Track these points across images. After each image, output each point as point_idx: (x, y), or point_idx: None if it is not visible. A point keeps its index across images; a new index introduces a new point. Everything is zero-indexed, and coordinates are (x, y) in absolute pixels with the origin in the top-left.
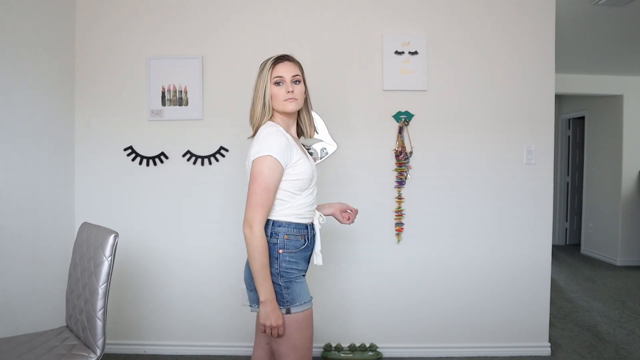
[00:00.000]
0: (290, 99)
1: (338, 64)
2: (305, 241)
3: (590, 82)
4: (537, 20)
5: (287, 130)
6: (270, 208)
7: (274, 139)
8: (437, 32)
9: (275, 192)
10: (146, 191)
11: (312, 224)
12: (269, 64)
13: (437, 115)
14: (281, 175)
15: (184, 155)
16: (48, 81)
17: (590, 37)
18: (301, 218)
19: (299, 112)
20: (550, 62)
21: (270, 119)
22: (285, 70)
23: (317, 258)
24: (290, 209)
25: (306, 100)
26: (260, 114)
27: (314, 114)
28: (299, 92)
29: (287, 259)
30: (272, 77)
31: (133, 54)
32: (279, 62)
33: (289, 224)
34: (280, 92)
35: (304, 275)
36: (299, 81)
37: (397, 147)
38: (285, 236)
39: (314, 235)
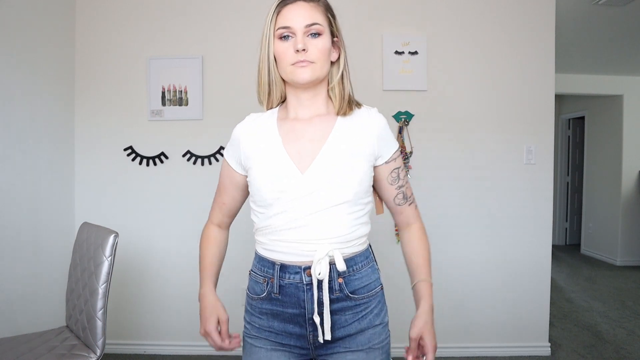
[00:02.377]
0: (299, 62)
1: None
2: (267, 288)
3: (590, 82)
4: (537, 20)
5: (298, 108)
6: (225, 213)
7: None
8: (437, 32)
9: (228, 196)
10: (146, 191)
11: (285, 267)
12: (273, 7)
13: (437, 115)
14: (233, 178)
15: (184, 155)
16: (48, 81)
17: (590, 37)
18: (265, 250)
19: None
20: (550, 62)
21: (282, 99)
22: (294, 15)
23: (320, 330)
24: (256, 232)
25: (338, 62)
26: (266, 89)
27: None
28: (319, 50)
29: (246, 304)
30: (276, 28)
31: (133, 54)
32: (286, 3)
33: (255, 254)
34: (286, 51)
35: (262, 347)
36: (319, 33)
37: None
38: (249, 270)
39: (296, 288)
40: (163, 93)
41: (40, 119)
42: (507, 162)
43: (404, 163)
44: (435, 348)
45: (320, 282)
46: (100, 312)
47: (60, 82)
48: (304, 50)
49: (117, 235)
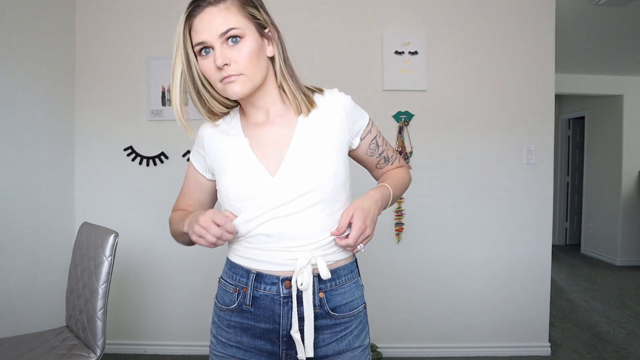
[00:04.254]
0: (224, 78)
1: (338, 64)
2: (237, 299)
3: (590, 82)
4: (537, 20)
5: (254, 112)
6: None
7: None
8: (437, 32)
9: (194, 200)
10: (146, 191)
11: (261, 276)
12: (181, 21)
13: (437, 115)
14: (199, 181)
15: (184, 155)
16: (48, 81)
17: (590, 37)
18: (239, 257)
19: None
20: (550, 62)
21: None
22: (205, 26)
23: (298, 348)
24: None
25: (275, 59)
26: (203, 108)
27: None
28: (244, 57)
29: (213, 315)
30: (193, 45)
31: (133, 54)
32: (194, 15)
33: (227, 260)
34: (209, 68)
35: None
36: (239, 37)
37: (397, 147)
38: (219, 277)
39: (272, 301)
40: (163, 93)
41: (40, 119)
42: (507, 162)
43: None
44: (362, 230)
45: (300, 296)
46: (100, 312)
47: (60, 82)
48: (225, 65)
49: (117, 235)
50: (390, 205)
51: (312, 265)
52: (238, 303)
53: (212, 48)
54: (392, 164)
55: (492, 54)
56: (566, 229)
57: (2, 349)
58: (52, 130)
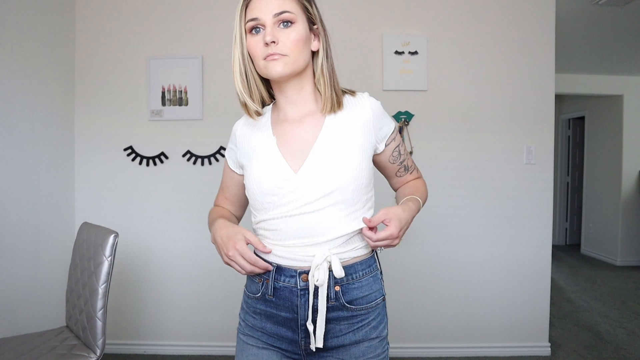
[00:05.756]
0: (269, 55)
1: (338, 64)
2: (261, 289)
3: (590, 82)
4: (537, 20)
5: (286, 107)
6: (230, 204)
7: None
8: (437, 32)
9: (231, 193)
10: (146, 191)
11: (281, 269)
12: (240, 1)
13: (437, 115)
14: (233, 177)
15: (184, 155)
16: (48, 81)
17: (590, 37)
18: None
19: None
20: (550, 62)
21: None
22: (262, 6)
23: (311, 338)
24: (255, 232)
25: (318, 54)
26: (246, 89)
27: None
28: (291, 41)
29: (243, 301)
30: (245, 22)
31: (133, 54)
32: None
33: (254, 252)
34: (256, 45)
35: (253, 345)
36: (290, 22)
37: None
38: None
39: (291, 292)
40: (163, 93)
41: (40, 119)
42: (507, 162)
43: None
44: (392, 239)
45: (316, 289)
46: (100, 312)
47: (60, 82)
48: (273, 42)
49: (117, 235)
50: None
51: (328, 262)
52: (262, 293)
53: (264, 27)
54: (411, 173)
55: (492, 54)
56: (566, 229)
57: (2, 349)
58: (52, 130)
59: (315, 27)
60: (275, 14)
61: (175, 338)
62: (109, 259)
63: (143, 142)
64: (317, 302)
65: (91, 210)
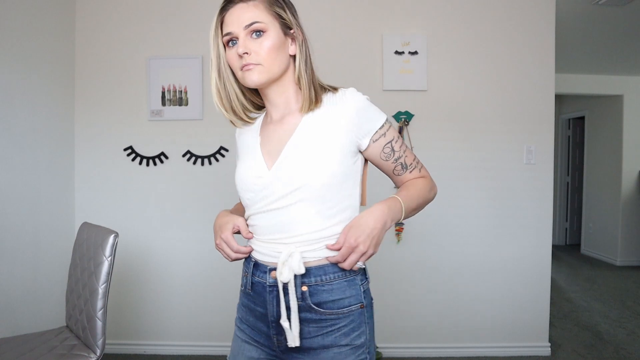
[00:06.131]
0: (244, 65)
1: (338, 64)
2: (244, 282)
3: (590, 82)
4: (537, 20)
5: (270, 109)
6: None
7: None
8: (437, 32)
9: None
10: (146, 191)
11: (258, 265)
12: (215, 16)
13: (437, 115)
14: None
15: (184, 155)
16: (48, 81)
17: (590, 37)
18: (249, 244)
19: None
20: (550, 62)
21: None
22: (233, 19)
23: (288, 336)
24: None
25: (295, 59)
26: (220, 105)
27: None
28: (264, 50)
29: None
30: (222, 36)
31: (133, 54)
32: (227, 9)
33: None
34: (232, 57)
35: (240, 337)
36: (262, 31)
37: None
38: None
39: (263, 288)
40: (163, 93)
41: (40, 119)
42: (507, 162)
43: None
44: (352, 249)
45: (286, 286)
46: (100, 312)
47: (60, 82)
48: (246, 53)
49: (117, 235)
50: (406, 218)
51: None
52: (244, 286)
53: (238, 39)
54: (411, 172)
55: (492, 54)
56: (566, 229)
57: (2, 349)
58: (52, 130)
59: (291, 31)
60: (245, 26)
61: (175, 338)
62: (109, 259)
63: (143, 142)
64: (289, 300)
65: (91, 210)
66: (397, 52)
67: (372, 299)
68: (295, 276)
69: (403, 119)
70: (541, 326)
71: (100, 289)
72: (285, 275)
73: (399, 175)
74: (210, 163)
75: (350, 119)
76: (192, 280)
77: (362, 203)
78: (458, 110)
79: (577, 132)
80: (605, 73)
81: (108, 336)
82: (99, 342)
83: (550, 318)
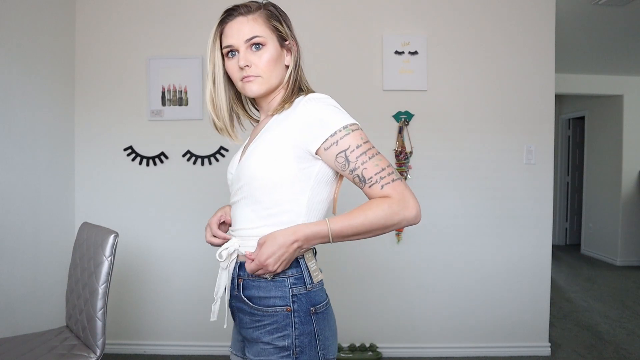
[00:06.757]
0: (244, 77)
1: (338, 64)
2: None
3: (590, 82)
4: (537, 20)
5: (261, 114)
6: None
7: None
8: (437, 32)
9: None
10: (146, 191)
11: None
12: (214, 27)
13: (437, 115)
14: None
15: (184, 155)
16: (48, 81)
17: (590, 37)
18: None
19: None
20: (550, 62)
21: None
22: (234, 32)
23: (213, 309)
24: None
25: (290, 70)
26: (225, 110)
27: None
28: (263, 63)
29: None
30: (222, 48)
31: (133, 54)
32: (226, 22)
33: None
34: (233, 68)
35: (231, 351)
36: (261, 44)
37: (397, 147)
38: None
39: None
40: (163, 93)
41: (40, 119)
42: (507, 162)
43: (404, 163)
44: (260, 266)
45: (233, 275)
46: (100, 312)
47: (60, 82)
48: (247, 66)
49: (117, 235)
50: (343, 241)
51: (237, 250)
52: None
53: (238, 51)
54: (370, 187)
55: (492, 54)
56: (566, 229)
57: (2, 349)
58: (52, 130)
59: (287, 42)
60: (246, 40)
61: (175, 338)
62: (109, 259)
63: (143, 142)
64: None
65: (91, 210)
66: (397, 52)
67: (313, 307)
68: (235, 268)
69: (403, 119)
70: (541, 326)
71: (100, 289)
72: (223, 262)
73: (362, 189)
74: (210, 163)
75: (295, 124)
76: (192, 280)
77: (333, 211)
78: (458, 110)
79: (577, 132)
80: (605, 73)
81: (108, 336)
82: (99, 342)
83: (550, 318)
